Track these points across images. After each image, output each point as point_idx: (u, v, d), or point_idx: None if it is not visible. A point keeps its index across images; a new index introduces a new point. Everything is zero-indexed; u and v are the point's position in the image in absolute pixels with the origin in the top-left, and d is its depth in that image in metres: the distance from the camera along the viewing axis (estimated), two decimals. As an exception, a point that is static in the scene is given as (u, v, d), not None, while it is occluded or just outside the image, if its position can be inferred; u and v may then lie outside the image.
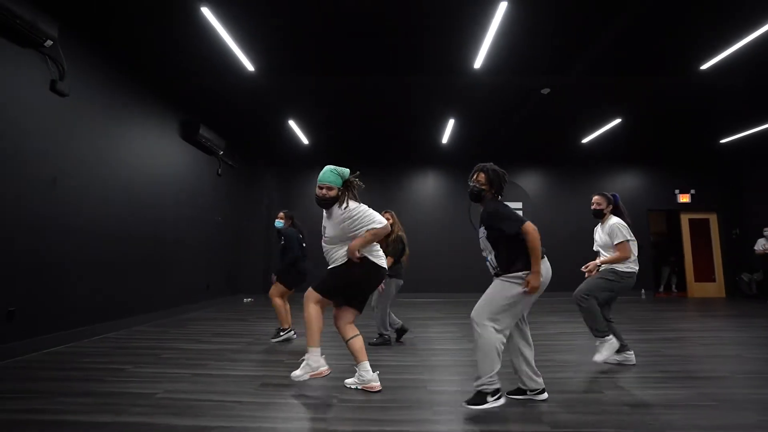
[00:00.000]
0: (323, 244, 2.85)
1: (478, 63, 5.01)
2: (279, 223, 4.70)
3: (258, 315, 6.46)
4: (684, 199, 9.31)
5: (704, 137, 8.09)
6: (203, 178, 7.11)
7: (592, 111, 6.83)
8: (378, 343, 4.22)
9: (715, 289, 9.18)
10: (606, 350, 3.22)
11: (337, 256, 2.77)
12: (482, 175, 2.53)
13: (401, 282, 4.39)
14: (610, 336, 3.25)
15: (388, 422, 2.28)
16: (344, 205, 2.70)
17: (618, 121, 7.05)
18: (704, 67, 5.12)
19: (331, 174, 2.72)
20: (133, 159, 5.24)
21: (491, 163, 2.59)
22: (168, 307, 5.96)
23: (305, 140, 8.04)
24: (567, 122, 7.42)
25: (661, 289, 10.48)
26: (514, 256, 2.40)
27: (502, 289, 2.40)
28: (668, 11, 4.24)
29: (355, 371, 2.86)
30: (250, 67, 5.11)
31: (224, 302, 7.73)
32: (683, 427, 2.19)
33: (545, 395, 2.60)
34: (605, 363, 3.33)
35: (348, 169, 2.80)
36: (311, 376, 2.72)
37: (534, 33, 4.61)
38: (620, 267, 3.43)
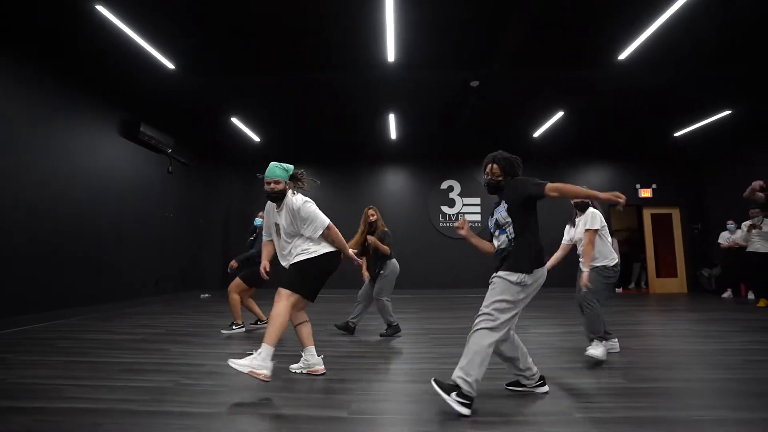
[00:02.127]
0: (281, 241, 2.84)
1: (391, 56, 5.03)
2: (258, 221, 4.84)
3: (200, 309, 6.56)
4: (645, 194, 9.19)
5: (658, 131, 7.98)
6: (152, 176, 7.24)
7: (531, 104, 6.80)
8: (390, 334, 4.23)
9: (676, 284, 9.05)
10: (602, 348, 3.20)
11: (298, 251, 2.78)
12: (496, 167, 2.47)
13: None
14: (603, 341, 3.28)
15: (217, 404, 2.36)
16: (295, 199, 2.75)
17: (560, 114, 6.99)
18: (621, 57, 5.07)
19: (276, 169, 2.75)
20: (62, 156, 5.37)
21: (500, 151, 2.51)
22: (110, 302, 6.10)
23: (255, 138, 8.14)
24: (514, 116, 7.40)
25: (632, 285, 10.35)
26: (527, 240, 2.30)
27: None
28: (574, 3, 4.24)
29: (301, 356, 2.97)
30: (170, 65, 5.21)
31: (178, 298, 7.86)
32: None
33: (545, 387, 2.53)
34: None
35: (292, 166, 2.84)
36: (250, 373, 2.42)
37: (440, 27, 4.64)
38: (608, 262, 3.44)
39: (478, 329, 2.23)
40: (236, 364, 2.45)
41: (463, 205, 9.19)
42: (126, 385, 2.67)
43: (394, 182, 9.46)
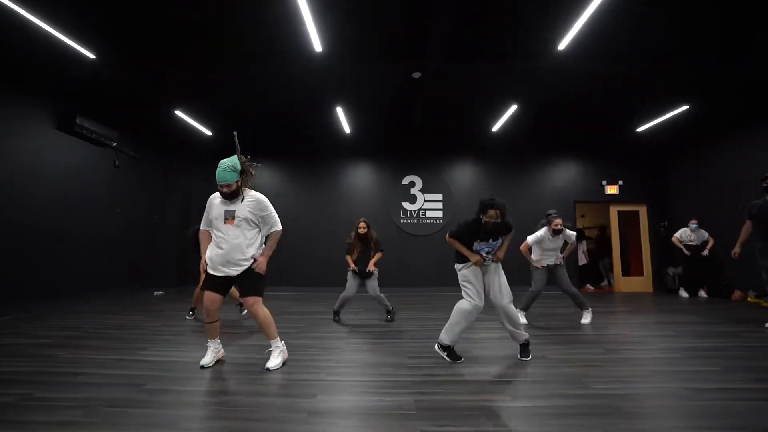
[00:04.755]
0: (234, 230, 2.98)
1: (317, 47, 4.80)
2: None
3: (139, 308, 6.35)
4: (612, 190, 8.97)
5: (620, 126, 7.77)
6: (94, 170, 7.02)
7: (482, 97, 6.58)
8: (392, 318, 5.18)
9: (642, 283, 8.87)
10: None
11: (251, 250, 3.03)
12: (497, 212, 3.05)
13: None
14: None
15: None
16: (254, 192, 3.07)
17: (514, 107, 6.77)
18: (561, 48, 4.84)
19: (226, 173, 2.91)
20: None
21: (495, 198, 3.09)
22: (50, 300, 5.92)
23: (207, 131, 7.90)
24: (468, 109, 7.18)
25: (605, 283, 10.16)
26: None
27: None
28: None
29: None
30: (89, 54, 4.96)
31: (128, 295, 7.66)
32: None
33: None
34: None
35: (236, 158, 2.99)
36: (285, 361, 3.15)
37: (362, 16, 4.42)
38: None
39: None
40: (274, 367, 3.01)
41: (425, 201, 8.97)
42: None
43: (355, 178, 9.22)
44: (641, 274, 8.94)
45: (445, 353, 3.22)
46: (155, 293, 8.32)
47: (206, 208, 3.16)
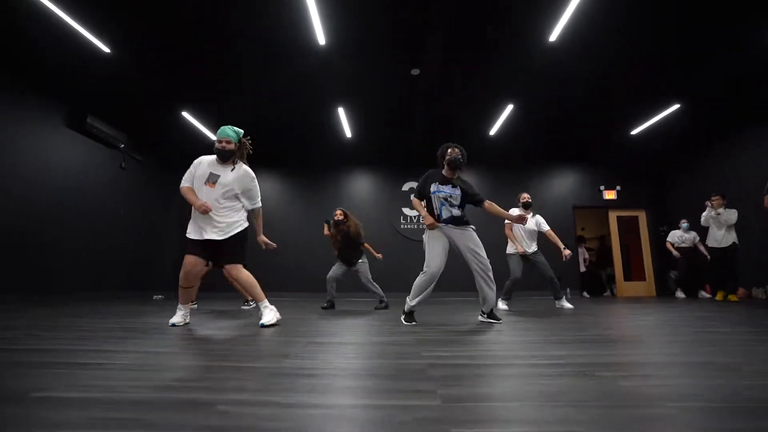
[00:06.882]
0: (215, 193, 2.98)
1: (321, 40, 5.06)
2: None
3: (113, 316, 6.33)
4: (610, 195, 9.08)
5: (615, 129, 7.96)
6: (101, 171, 7.18)
7: (478, 95, 6.78)
8: (383, 307, 4.97)
9: (645, 288, 8.81)
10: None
11: (236, 217, 3.07)
12: (460, 151, 3.26)
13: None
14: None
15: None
16: (247, 167, 3.12)
17: (510, 107, 6.99)
18: (552, 39, 5.08)
19: (229, 130, 3.07)
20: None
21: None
22: (43, 296, 5.91)
23: (212, 136, 8.13)
24: (466, 111, 7.38)
25: (607, 293, 10.07)
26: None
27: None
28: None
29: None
30: (104, 48, 5.23)
31: (125, 297, 7.64)
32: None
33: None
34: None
35: (242, 131, 3.16)
36: (278, 321, 3.08)
37: (365, 12, 4.69)
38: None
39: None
40: (268, 322, 2.94)
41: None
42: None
43: (355, 185, 9.38)
44: (643, 278, 8.89)
45: (403, 317, 3.25)
46: (155, 297, 8.29)
47: (192, 167, 3.11)
